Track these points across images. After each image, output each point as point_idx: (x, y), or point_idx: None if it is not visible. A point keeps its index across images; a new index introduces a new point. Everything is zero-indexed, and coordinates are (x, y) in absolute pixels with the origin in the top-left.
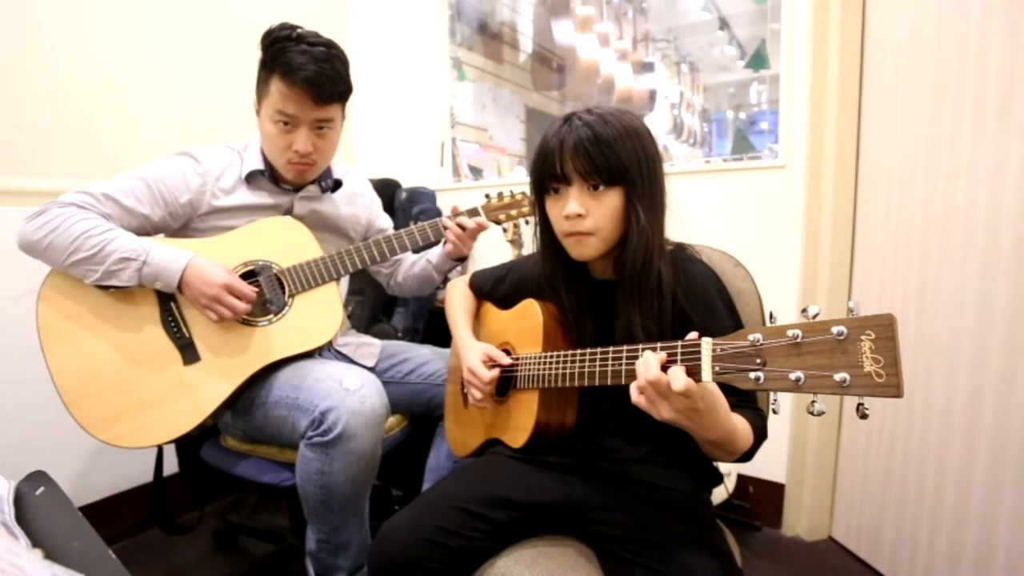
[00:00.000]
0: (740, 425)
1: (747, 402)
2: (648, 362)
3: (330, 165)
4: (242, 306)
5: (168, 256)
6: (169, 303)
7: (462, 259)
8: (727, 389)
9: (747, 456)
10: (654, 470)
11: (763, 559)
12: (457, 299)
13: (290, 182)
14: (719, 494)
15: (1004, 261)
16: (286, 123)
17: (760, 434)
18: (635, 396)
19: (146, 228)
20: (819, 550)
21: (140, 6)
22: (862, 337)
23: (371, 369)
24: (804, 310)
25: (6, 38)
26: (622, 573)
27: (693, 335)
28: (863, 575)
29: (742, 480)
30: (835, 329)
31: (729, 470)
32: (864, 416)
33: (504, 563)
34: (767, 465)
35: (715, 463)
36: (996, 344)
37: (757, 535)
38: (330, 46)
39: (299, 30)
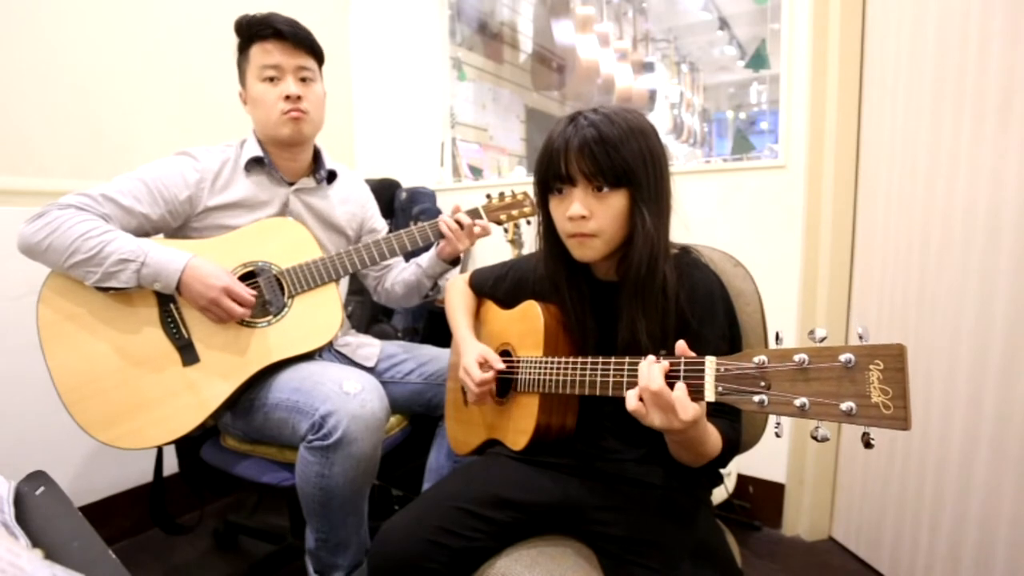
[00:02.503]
0: (712, 433)
1: (723, 412)
2: (653, 373)
3: (322, 155)
4: (240, 311)
5: (166, 257)
6: (168, 304)
7: (455, 262)
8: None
9: (715, 463)
10: (654, 470)
11: (763, 559)
12: (457, 297)
13: (288, 143)
14: (719, 494)
15: (1004, 261)
16: (272, 78)
17: (730, 445)
18: (632, 404)
19: (145, 228)
20: (819, 550)
21: (141, 6)
22: (871, 366)
23: (371, 369)
24: (811, 332)
25: (6, 38)
26: (622, 573)
27: (681, 344)
28: (863, 575)
29: (742, 480)
30: (843, 357)
31: (729, 470)
32: (869, 445)
33: (504, 563)
34: (767, 465)
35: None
36: (996, 344)
37: (757, 535)
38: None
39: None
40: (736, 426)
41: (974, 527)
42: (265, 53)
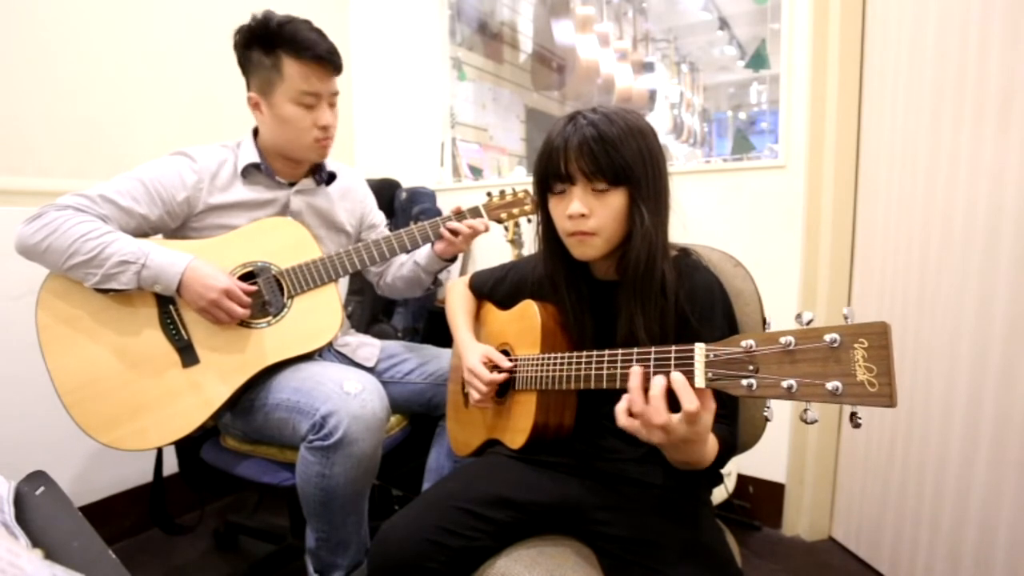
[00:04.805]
0: (711, 445)
1: (720, 416)
2: (655, 405)
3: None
4: (240, 312)
5: (167, 259)
6: (168, 305)
7: (452, 260)
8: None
9: (711, 467)
10: (653, 470)
11: (763, 559)
12: (457, 300)
13: (301, 165)
14: (719, 494)
15: (1004, 261)
16: (310, 104)
17: (727, 449)
18: (623, 420)
19: (144, 228)
20: (819, 550)
21: (140, 6)
22: (855, 345)
23: (371, 369)
24: (798, 315)
25: (6, 38)
26: (621, 573)
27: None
28: (863, 575)
29: (742, 480)
30: (828, 337)
31: (729, 470)
32: (857, 425)
33: (504, 563)
34: (767, 465)
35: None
36: (996, 344)
37: (757, 535)
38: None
39: (280, 15)
40: (733, 430)
41: (974, 527)
42: (305, 78)
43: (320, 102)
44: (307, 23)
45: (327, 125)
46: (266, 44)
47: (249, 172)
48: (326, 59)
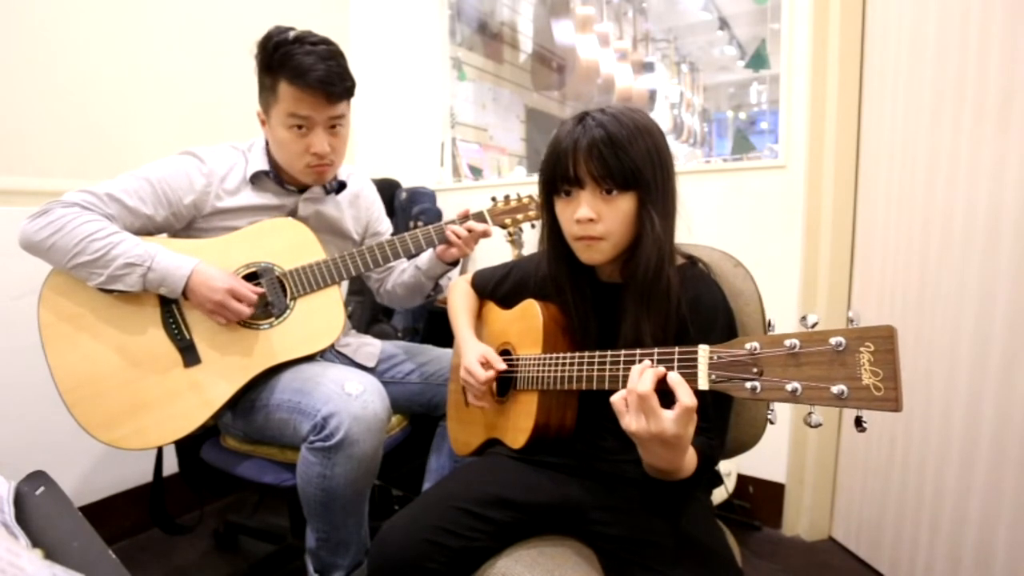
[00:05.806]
0: (688, 460)
1: (704, 428)
2: (645, 379)
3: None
4: (246, 310)
5: (173, 262)
6: (170, 305)
7: (454, 263)
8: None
9: (690, 480)
10: None
11: (763, 559)
12: (459, 298)
13: (306, 184)
14: (719, 494)
15: (1004, 261)
16: (300, 126)
17: (706, 461)
18: (616, 398)
19: (149, 228)
20: (819, 550)
21: (140, 5)
22: (861, 349)
23: (371, 369)
24: (803, 318)
25: (6, 38)
26: (621, 573)
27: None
28: (863, 575)
29: (742, 480)
30: (833, 340)
31: (729, 470)
32: (863, 430)
33: (504, 563)
34: (767, 465)
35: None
36: (996, 344)
37: (757, 535)
38: (329, 43)
39: (294, 31)
40: (714, 443)
41: (974, 527)
42: (295, 101)
43: (313, 126)
44: (312, 44)
45: (319, 152)
46: (267, 64)
47: (258, 178)
48: (319, 87)
